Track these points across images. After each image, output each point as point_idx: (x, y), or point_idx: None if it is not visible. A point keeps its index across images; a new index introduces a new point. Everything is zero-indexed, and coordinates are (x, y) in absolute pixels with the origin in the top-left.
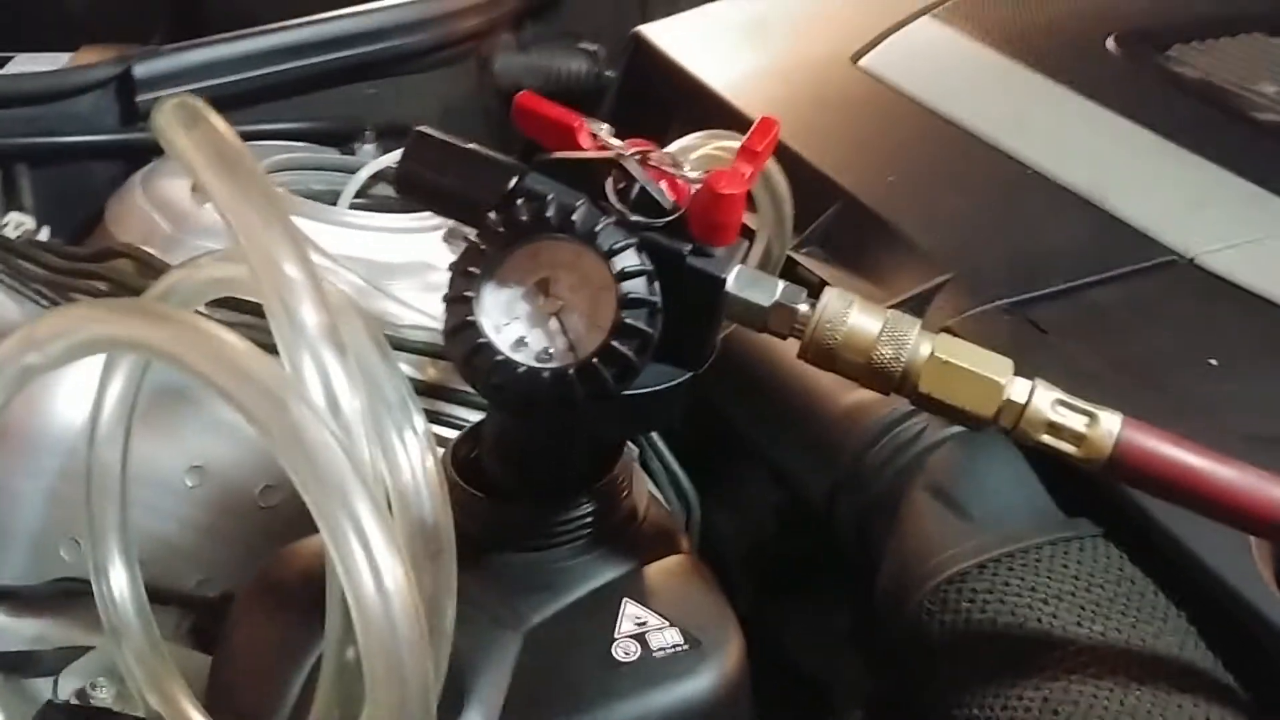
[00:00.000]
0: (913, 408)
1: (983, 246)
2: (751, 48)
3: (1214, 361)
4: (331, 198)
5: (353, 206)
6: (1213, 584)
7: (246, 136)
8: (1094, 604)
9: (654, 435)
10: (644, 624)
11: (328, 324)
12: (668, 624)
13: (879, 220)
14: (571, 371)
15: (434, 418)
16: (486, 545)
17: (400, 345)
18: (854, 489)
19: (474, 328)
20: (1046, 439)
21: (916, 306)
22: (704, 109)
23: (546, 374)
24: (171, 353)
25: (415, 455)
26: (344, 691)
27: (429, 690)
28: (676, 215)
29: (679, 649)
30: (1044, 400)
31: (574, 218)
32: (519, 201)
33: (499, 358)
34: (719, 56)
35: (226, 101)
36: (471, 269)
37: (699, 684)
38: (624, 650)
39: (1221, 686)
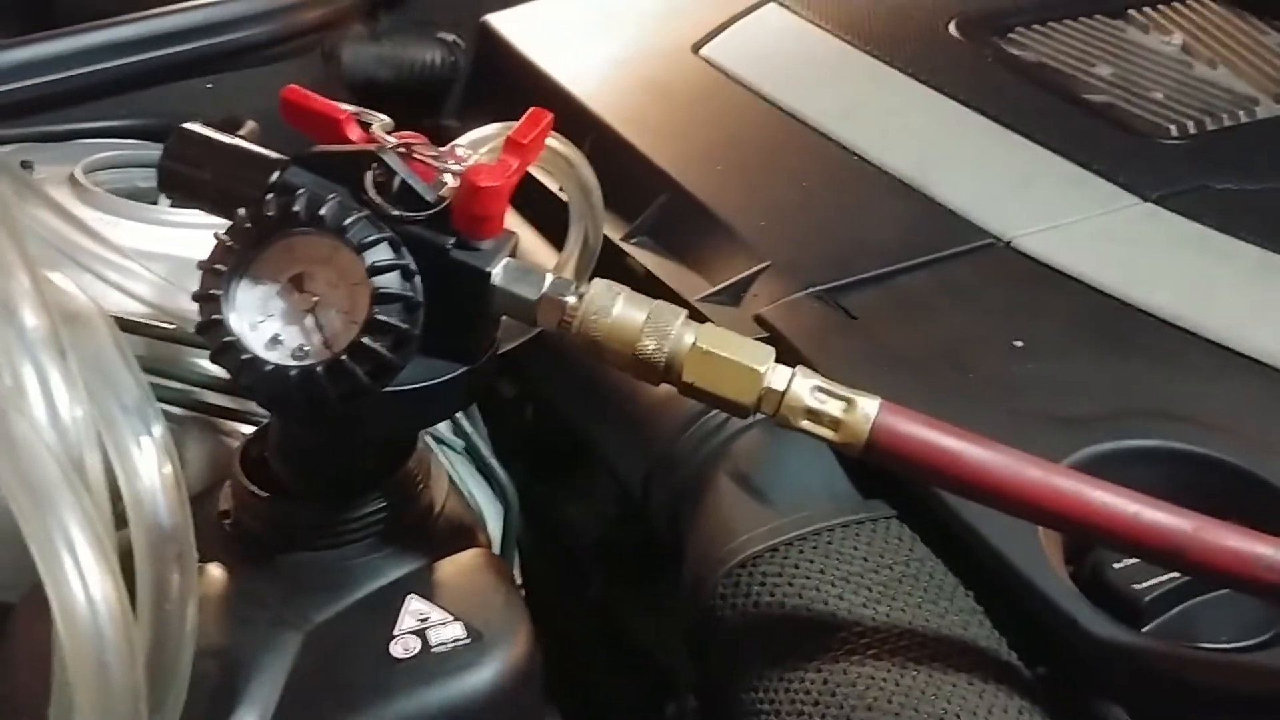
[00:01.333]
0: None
1: (801, 234)
2: (598, 37)
3: (1019, 343)
4: (157, 196)
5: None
6: (997, 563)
7: (76, 134)
8: (881, 585)
9: (469, 428)
10: (426, 619)
11: (48, 329)
12: (451, 618)
13: (704, 210)
14: (320, 369)
15: (237, 416)
16: (273, 545)
17: (201, 343)
18: (664, 476)
19: (221, 326)
20: (806, 424)
21: (734, 294)
22: (546, 100)
23: (295, 373)
24: None
25: (150, 460)
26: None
27: (138, 698)
28: (439, 209)
29: (459, 643)
30: (803, 387)
31: (323, 212)
32: (269, 197)
33: (245, 356)
34: (564, 46)
35: (56, 99)
36: (219, 266)
37: (478, 678)
38: (403, 647)
39: (1003, 665)
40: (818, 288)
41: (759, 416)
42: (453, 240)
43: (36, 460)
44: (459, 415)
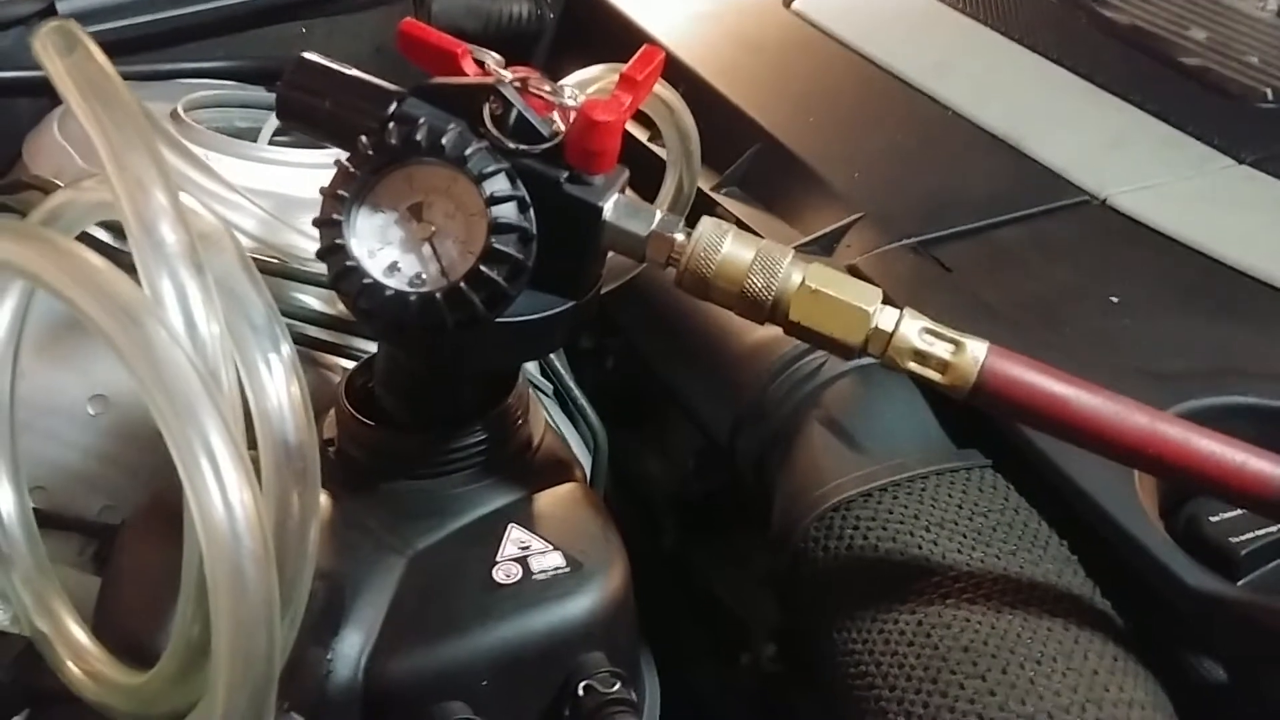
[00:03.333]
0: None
1: (895, 187)
2: None
3: (1115, 299)
4: (255, 135)
5: (276, 143)
6: (1093, 513)
7: (176, 74)
8: (975, 532)
9: (561, 369)
10: (527, 548)
11: (187, 244)
12: (551, 548)
13: (796, 161)
14: (439, 296)
15: (338, 350)
16: (377, 473)
17: (306, 278)
18: (753, 424)
19: (343, 251)
20: (913, 366)
21: (826, 245)
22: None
23: (414, 298)
24: (29, 270)
25: (279, 379)
26: (203, 606)
27: (273, 606)
28: (554, 142)
29: (560, 571)
30: (911, 329)
31: (444, 141)
32: (391, 125)
33: (366, 281)
34: None
35: (157, 39)
36: (342, 192)
37: (577, 605)
38: (505, 573)
39: (1096, 612)
40: (912, 239)
41: (852, 364)
42: (566, 174)
43: (178, 369)
44: (551, 357)
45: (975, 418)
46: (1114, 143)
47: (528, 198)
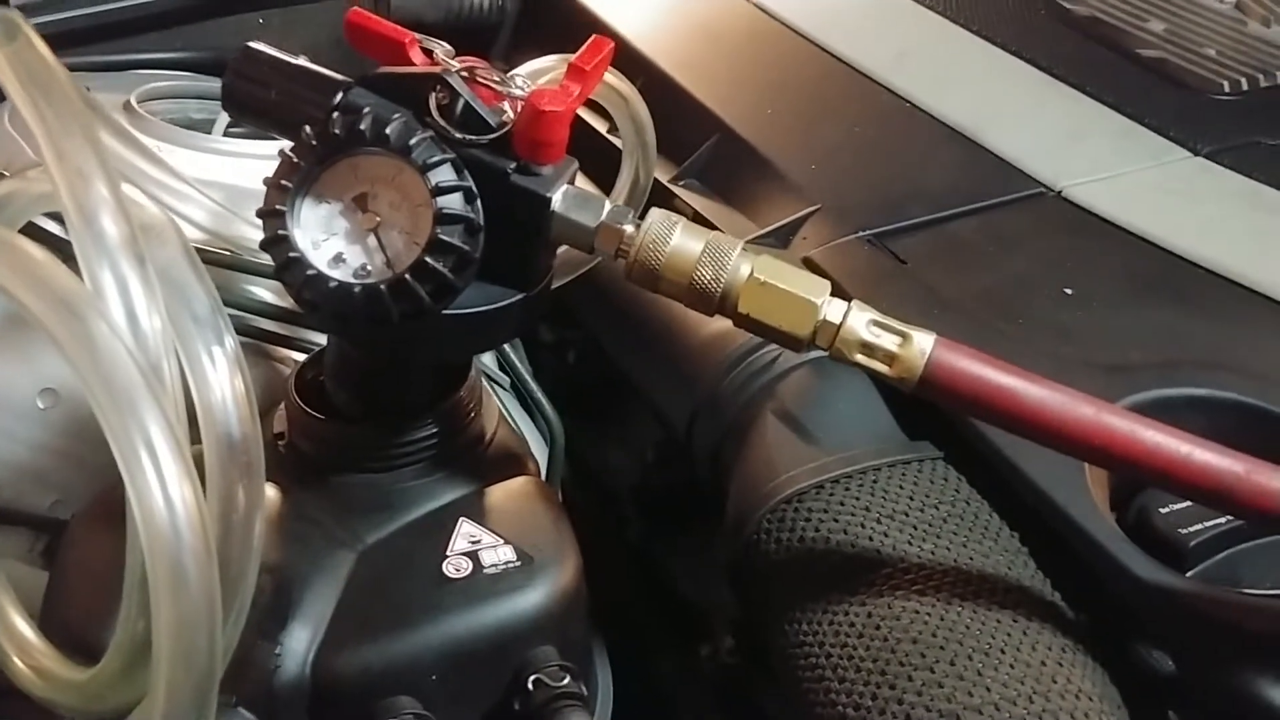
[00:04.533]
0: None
1: (852, 179)
2: None
3: (1069, 291)
4: (210, 126)
5: (231, 135)
6: (1043, 505)
7: (130, 65)
8: (926, 524)
9: (518, 362)
10: (478, 542)
11: (128, 235)
12: (502, 541)
13: (754, 152)
14: (384, 288)
15: (289, 343)
16: (328, 467)
17: (257, 270)
18: (709, 417)
19: (286, 242)
20: (860, 358)
21: (783, 237)
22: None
23: (359, 290)
24: None
25: (223, 372)
26: (147, 603)
27: (214, 602)
28: (501, 133)
29: (511, 565)
30: (858, 321)
31: (389, 131)
32: (336, 115)
33: (310, 273)
34: None
35: (112, 29)
36: (285, 182)
37: (528, 599)
38: (455, 567)
39: (1045, 604)
40: (867, 232)
41: (808, 356)
42: (514, 165)
43: (118, 362)
44: (506, 350)
45: (927, 410)
46: (1071, 134)
47: (474, 188)
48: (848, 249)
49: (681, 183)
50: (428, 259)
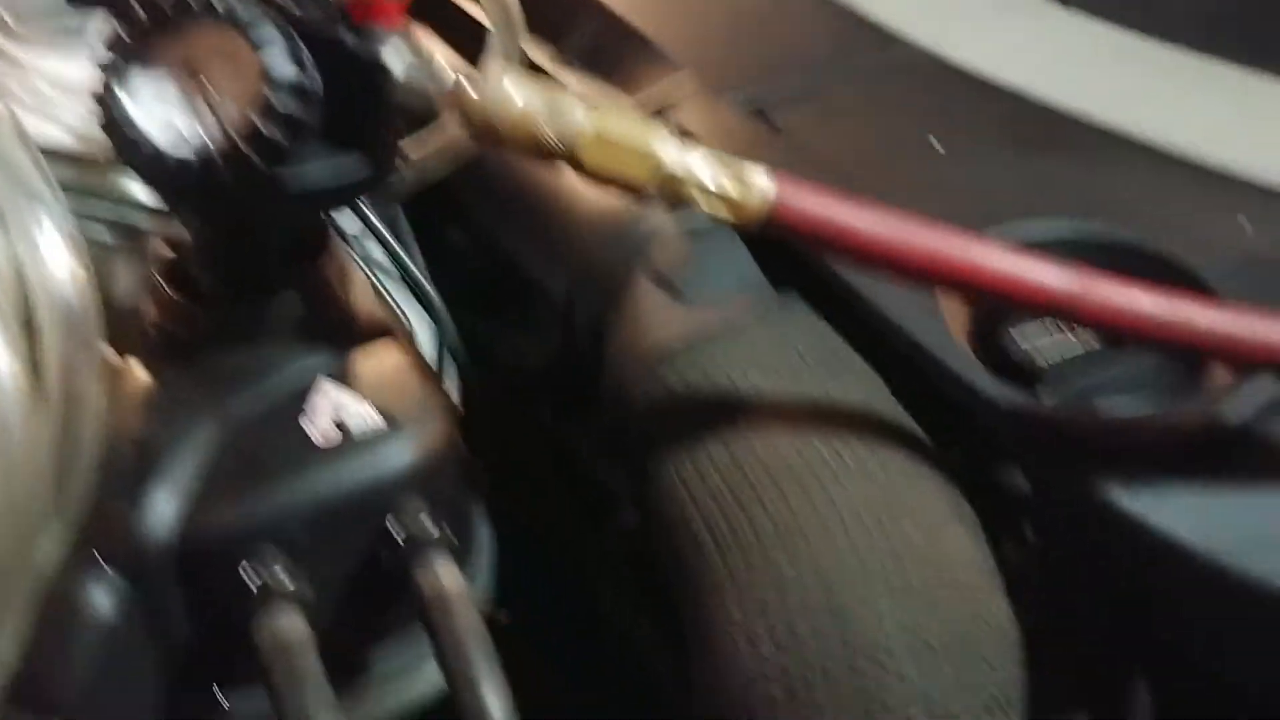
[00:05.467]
0: (645, 206)
1: (721, 46)
2: None
3: (939, 148)
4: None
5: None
6: (898, 338)
7: None
8: (790, 369)
9: (401, 251)
10: (343, 407)
11: None
12: (368, 407)
13: (629, 28)
14: (219, 157)
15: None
16: (189, 344)
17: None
18: (588, 290)
19: (122, 121)
20: (701, 202)
21: (652, 107)
22: None
23: (195, 162)
24: None
25: (53, 242)
26: None
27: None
28: None
29: (376, 428)
30: (697, 166)
31: (215, 0)
32: None
33: (148, 150)
34: None
35: None
36: (115, 54)
37: (393, 458)
38: (322, 432)
39: (900, 430)
40: (739, 97)
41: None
42: (347, 30)
43: None
44: (391, 239)
45: (789, 255)
46: None
47: (308, 56)
48: (718, 116)
49: (558, 62)
50: (261, 126)
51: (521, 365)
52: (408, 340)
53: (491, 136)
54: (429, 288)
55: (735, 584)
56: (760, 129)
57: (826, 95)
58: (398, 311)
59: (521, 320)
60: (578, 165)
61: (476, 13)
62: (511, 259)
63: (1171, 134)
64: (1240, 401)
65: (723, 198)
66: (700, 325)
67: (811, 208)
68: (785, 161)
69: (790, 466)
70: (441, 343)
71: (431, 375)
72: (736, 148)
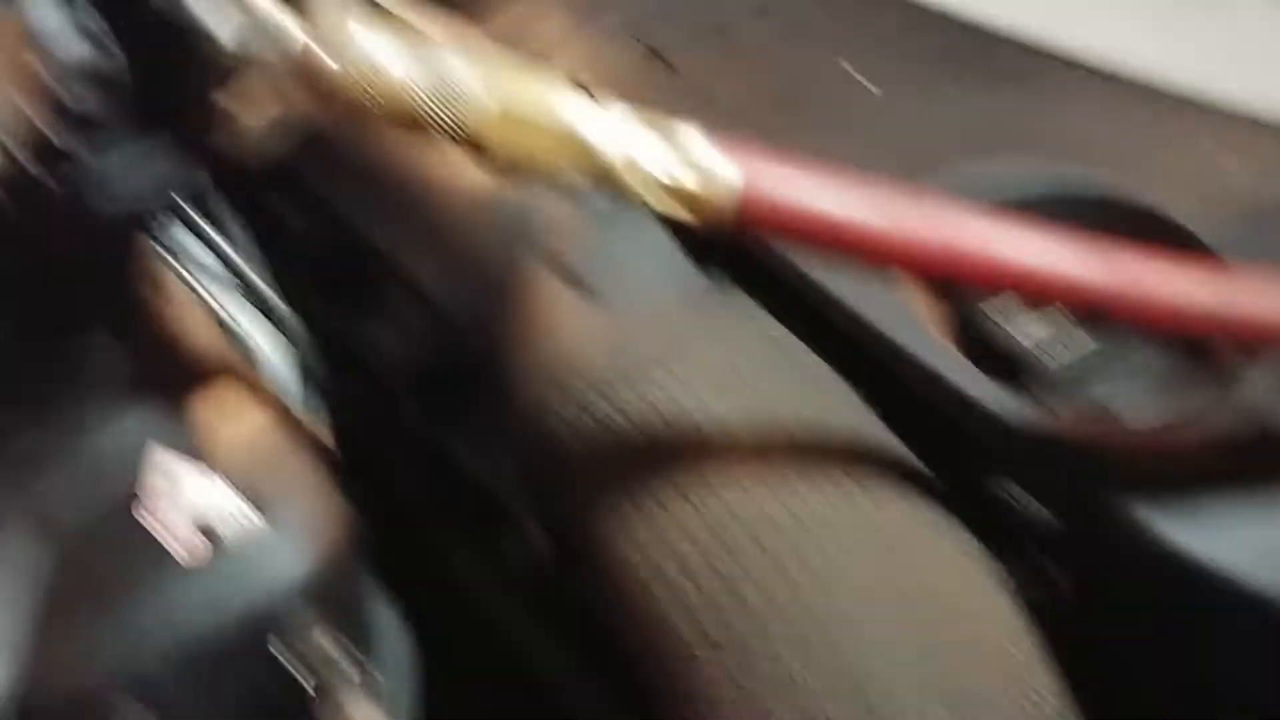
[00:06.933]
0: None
1: None
2: None
3: (860, 77)
4: None
5: None
6: (864, 333)
7: None
8: (741, 380)
9: (234, 255)
10: (204, 498)
11: None
12: (233, 493)
13: None
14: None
15: None
16: None
17: None
18: (471, 280)
19: None
20: (650, 199)
21: (514, 37)
22: None
23: None
24: None
25: None
26: None
27: None
28: None
29: (250, 528)
30: (638, 148)
31: None
32: None
33: None
34: None
35: None
36: None
37: (279, 570)
38: (180, 538)
39: (887, 456)
40: (623, 22)
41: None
42: None
43: None
44: (219, 240)
45: None
46: None
47: (94, 21)
48: (605, 51)
49: None
50: (47, 131)
51: (378, 360)
52: (265, 384)
53: (357, 116)
54: (276, 301)
55: (731, 688)
56: (651, 66)
57: (718, 18)
58: (236, 331)
59: (376, 310)
60: (474, 149)
61: None
62: (362, 238)
63: (1127, 56)
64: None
65: (676, 191)
66: (627, 333)
67: (790, 197)
68: (685, 106)
69: (777, 525)
70: (299, 363)
71: (302, 430)
72: (627, 91)
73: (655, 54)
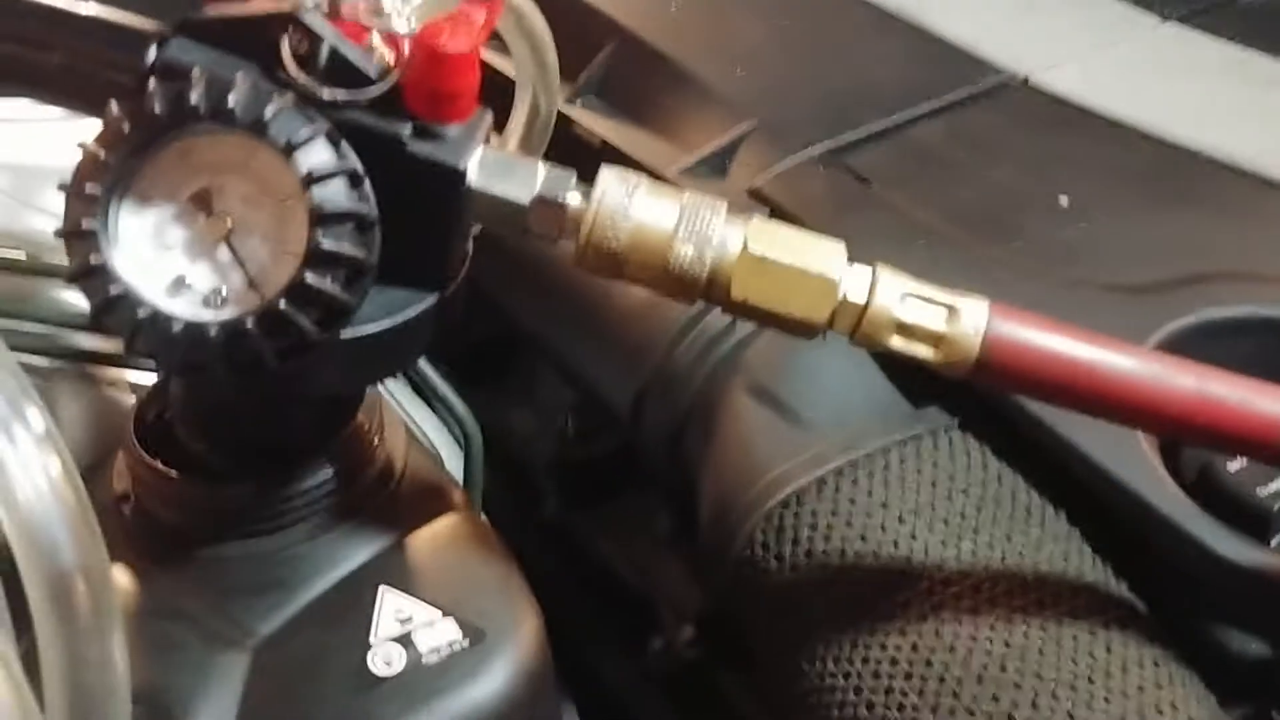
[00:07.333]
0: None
1: (786, 84)
2: None
3: (1064, 200)
4: None
5: None
6: (1096, 477)
7: None
8: (959, 515)
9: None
10: (409, 619)
11: None
12: (440, 614)
13: (663, 58)
14: (251, 323)
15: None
16: (191, 537)
17: (62, 272)
18: (662, 395)
19: (103, 272)
20: (896, 343)
21: (717, 164)
22: None
23: (215, 330)
24: None
25: (30, 456)
26: None
27: None
28: (387, 84)
29: (457, 646)
30: (889, 293)
31: (231, 100)
32: (152, 82)
33: (144, 313)
34: None
35: None
36: (91, 187)
37: (484, 690)
38: (385, 659)
39: (1116, 601)
40: (818, 148)
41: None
42: (409, 127)
43: None
44: None
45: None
46: (1025, 9)
47: (360, 167)
48: (800, 173)
49: (580, 102)
50: (308, 276)
51: (521, 444)
52: (465, 501)
53: (607, 261)
54: (458, 404)
55: None
56: (846, 183)
57: (911, 134)
58: (419, 432)
59: (524, 394)
60: (723, 296)
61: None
62: (536, 338)
63: None
64: None
65: (922, 335)
66: (826, 453)
67: (1039, 347)
68: (886, 225)
69: (1009, 675)
70: (469, 473)
71: (506, 553)
72: (824, 209)
73: (848, 170)
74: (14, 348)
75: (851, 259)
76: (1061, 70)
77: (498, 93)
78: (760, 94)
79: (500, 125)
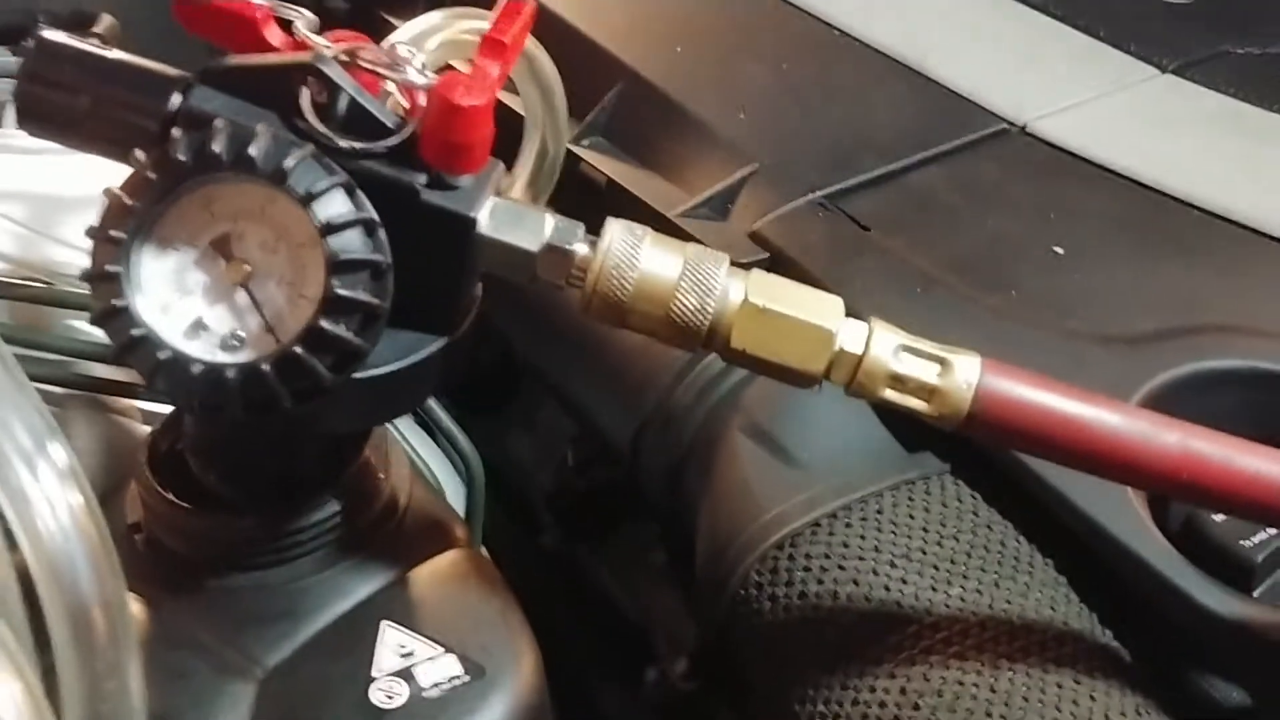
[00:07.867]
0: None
1: (789, 128)
2: None
3: (1059, 250)
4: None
5: None
6: (1084, 526)
7: None
8: (948, 561)
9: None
10: (410, 654)
11: None
12: (441, 650)
13: (668, 101)
14: (267, 366)
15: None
16: (201, 569)
17: (78, 302)
18: (661, 434)
19: (125, 314)
20: (890, 395)
21: (719, 206)
22: None
23: (233, 371)
24: None
25: (53, 490)
26: None
27: None
28: (403, 136)
29: (457, 681)
30: (884, 347)
31: (252, 149)
32: (176, 130)
33: (164, 355)
34: None
35: None
36: (115, 232)
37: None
38: (386, 692)
39: (1100, 649)
40: (819, 193)
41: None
42: (424, 178)
43: None
44: None
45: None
46: (1023, 57)
47: (375, 216)
48: (799, 217)
49: (586, 143)
50: (323, 322)
51: (520, 474)
52: (467, 538)
53: (612, 309)
54: (462, 440)
55: None
56: (846, 228)
57: (911, 181)
58: (421, 465)
59: (524, 424)
60: (723, 345)
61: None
62: (536, 372)
63: None
64: None
65: (915, 387)
66: (821, 496)
67: (1029, 402)
68: (885, 271)
69: (975, 698)
70: (472, 509)
71: (506, 590)
72: (822, 254)
73: (848, 216)
74: (30, 377)
75: (849, 303)
76: (1060, 119)
77: (505, 128)
78: (763, 137)
79: (508, 159)
